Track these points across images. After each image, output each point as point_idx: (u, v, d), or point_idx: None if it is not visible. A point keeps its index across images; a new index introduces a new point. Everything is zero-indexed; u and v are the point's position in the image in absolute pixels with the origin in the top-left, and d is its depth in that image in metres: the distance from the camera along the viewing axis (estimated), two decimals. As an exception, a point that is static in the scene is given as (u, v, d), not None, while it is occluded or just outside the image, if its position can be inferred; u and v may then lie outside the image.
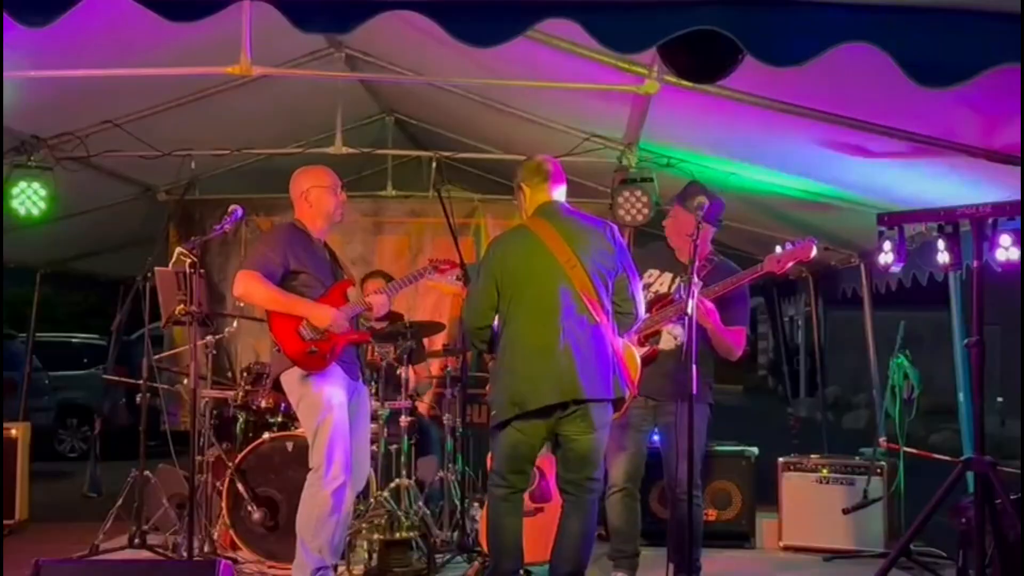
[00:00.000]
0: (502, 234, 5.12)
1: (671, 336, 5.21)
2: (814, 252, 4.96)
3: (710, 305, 4.98)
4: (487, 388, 5.62)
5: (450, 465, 6.52)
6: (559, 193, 4.85)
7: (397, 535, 5.72)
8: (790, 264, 5.00)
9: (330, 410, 4.96)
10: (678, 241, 5.28)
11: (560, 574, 4.68)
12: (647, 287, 5.31)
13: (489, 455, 5.08)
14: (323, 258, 5.24)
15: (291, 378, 5.06)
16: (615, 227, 4.83)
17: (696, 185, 5.39)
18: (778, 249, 5.02)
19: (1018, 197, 4.39)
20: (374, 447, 6.15)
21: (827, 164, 5.52)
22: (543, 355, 4.54)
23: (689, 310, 4.45)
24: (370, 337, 5.55)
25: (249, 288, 4.98)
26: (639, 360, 4.99)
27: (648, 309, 5.24)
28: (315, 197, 5.17)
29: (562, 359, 4.51)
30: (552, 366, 4.51)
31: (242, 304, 6.08)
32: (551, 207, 4.80)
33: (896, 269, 5.26)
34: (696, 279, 4.54)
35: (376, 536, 5.67)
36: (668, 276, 5.32)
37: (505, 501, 4.71)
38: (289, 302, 4.99)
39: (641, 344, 5.16)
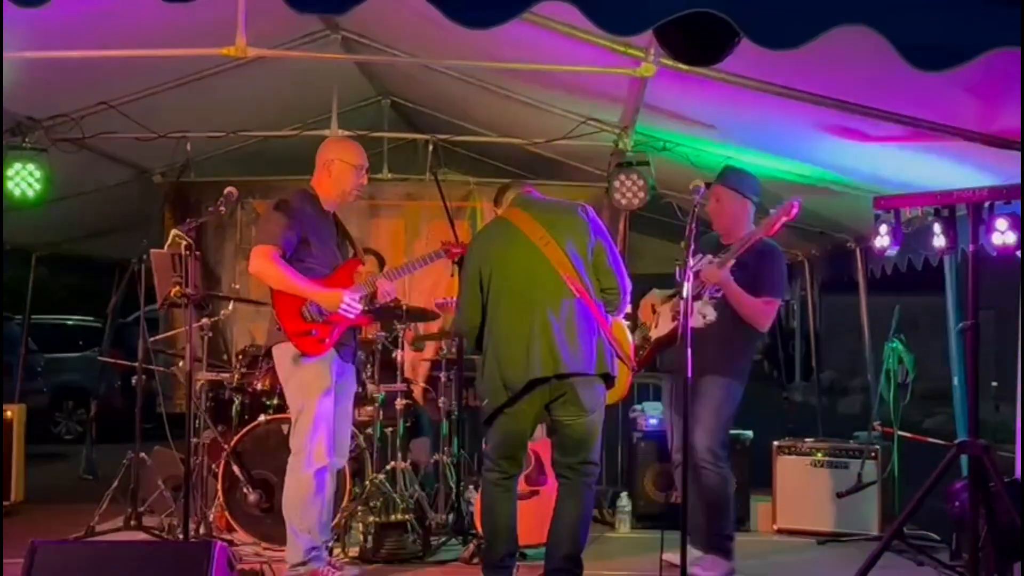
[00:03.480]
0: (481, 229, 5.28)
1: (700, 315, 5.23)
2: (796, 211, 5.02)
3: (724, 274, 5.11)
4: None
5: (445, 448, 6.53)
6: (529, 192, 5.04)
7: (392, 518, 5.74)
8: (779, 225, 5.08)
9: (317, 394, 4.98)
10: (723, 222, 5.45)
11: (557, 556, 4.72)
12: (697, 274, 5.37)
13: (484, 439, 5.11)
14: (330, 230, 5.24)
15: (283, 354, 5.05)
16: (588, 207, 4.93)
17: (734, 168, 5.57)
18: (772, 211, 5.11)
19: (1016, 181, 4.39)
20: (369, 431, 6.17)
21: (823, 148, 5.51)
22: (523, 336, 4.63)
23: (684, 292, 4.46)
24: (371, 322, 5.58)
25: (264, 267, 4.95)
26: (630, 336, 5.16)
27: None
28: (337, 170, 5.17)
29: (541, 337, 4.59)
30: (532, 344, 4.59)
31: (237, 286, 6.07)
32: (523, 197, 4.97)
33: (892, 252, 5.28)
34: (691, 262, 4.56)
35: (371, 519, 5.69)
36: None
37: (497, 486, 4.79)
38: (301, 286, 4.96)
39: (673, 320, 5.28)
